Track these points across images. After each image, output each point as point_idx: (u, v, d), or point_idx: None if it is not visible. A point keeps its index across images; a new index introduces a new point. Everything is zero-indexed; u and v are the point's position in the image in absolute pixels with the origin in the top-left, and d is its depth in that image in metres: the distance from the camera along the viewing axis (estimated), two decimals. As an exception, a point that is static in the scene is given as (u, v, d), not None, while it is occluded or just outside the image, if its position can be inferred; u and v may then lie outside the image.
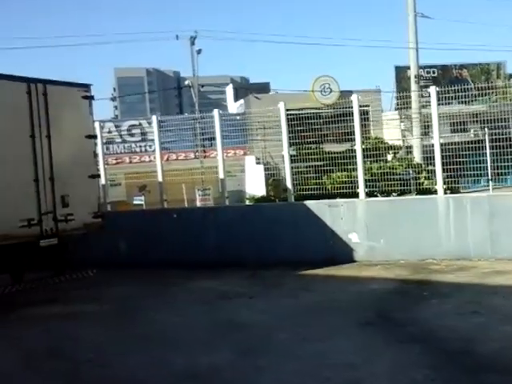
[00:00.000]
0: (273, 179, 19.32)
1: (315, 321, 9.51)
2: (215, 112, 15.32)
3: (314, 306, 10.56)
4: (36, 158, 11.43)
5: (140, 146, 30.37)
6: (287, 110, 15.00)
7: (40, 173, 11.48)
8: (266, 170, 19.49)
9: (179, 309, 10.83)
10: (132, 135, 28.83)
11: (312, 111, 17.81)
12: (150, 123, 29.41)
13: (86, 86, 12.67)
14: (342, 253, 14.12)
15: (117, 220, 14.72)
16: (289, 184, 14.93)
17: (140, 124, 28.62)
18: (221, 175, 15.56)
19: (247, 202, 19.97)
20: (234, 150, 31.17)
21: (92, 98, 12.76)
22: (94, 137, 13.02)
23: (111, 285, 13.10)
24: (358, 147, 14.34)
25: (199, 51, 41.18)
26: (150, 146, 31.61)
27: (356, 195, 14.66)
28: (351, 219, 14.31)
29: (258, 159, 22.28)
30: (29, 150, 11.32)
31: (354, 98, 14.23)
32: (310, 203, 14.78)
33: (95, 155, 13.01)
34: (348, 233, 14.24)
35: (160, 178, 15.85)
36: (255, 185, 22.34)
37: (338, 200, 14.74)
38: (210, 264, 14.46)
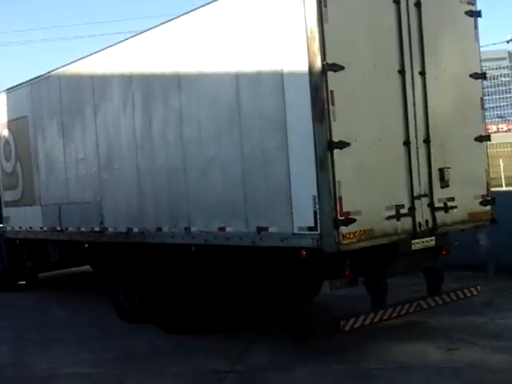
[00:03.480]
0: None
1: None
2: None
3: None
4: (406, 106, 7.08)
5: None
6: None
7: (411, 131, 7.11)
8: None
9: None
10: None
11: None
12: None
13: (472, -4, 7.96)
14: None
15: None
16: None
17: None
18: None
19: None
20: None
21: (479, 14, 8.02)
22: (482, 76, 8.24)
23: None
24: None
25: None
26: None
27: None
28: None
29: None
30: (396, 94, 7.01)
31: None
32: None
33: (483, 106, 8.24)
34: None
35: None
36: None
37: None
38: None
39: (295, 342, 7.77)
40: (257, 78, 6.91)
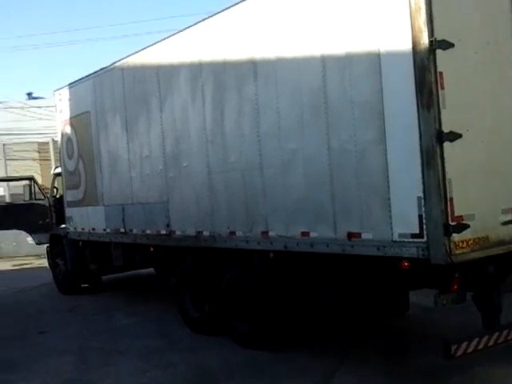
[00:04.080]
0: None
1: None
2: None
3: None
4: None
5: None
6: None
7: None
8: None
9: None
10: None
11: None
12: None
13: None
14: None
15: None
16: None
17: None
18: None
19: None
20: None
21: None
22: None
23: None
24: None
25: None
26: None
27: None
28: None
29: None
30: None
31: None
32: None
33: None
34: None
35: None
36: None
37: None
38: None
39: (387, 363, 6.82)
40: (348, 61, 5.97)
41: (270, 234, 7.04)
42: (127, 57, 9.59)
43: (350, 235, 6.05)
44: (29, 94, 57.49)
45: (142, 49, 9.18)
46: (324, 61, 6.21)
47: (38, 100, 46.93)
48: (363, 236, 5.93)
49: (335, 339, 7.76)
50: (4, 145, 24.69)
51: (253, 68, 7.10)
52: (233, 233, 7.62)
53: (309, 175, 6.51)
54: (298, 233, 6.64)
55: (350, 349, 7.39)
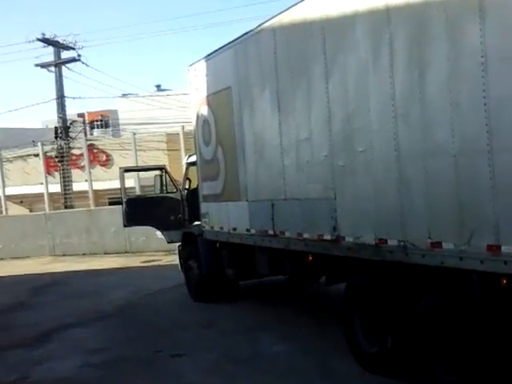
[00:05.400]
0: None
1: None
2: None
3: None
4: None
5: None
6: None
7: None
8: None
9: None
10: None
11: None
12: None
13: None
14: None
15: None
16: None
17: None
18: None
19: None
20: None
21: None
22: None
23: None
24: None
25: None
26: None
27: None
28: None
29: None
30: None
31: None
32: None
33: None
34: None
35: None
36: None
37: None
38: None
39: None
40: None
41: (504, 249, 4.76)
42: (279, 14, 7.59)
43: None
44: (157, 86, 58.27)
45: (300, 1, 7.16)
46: None
47: (166, 91, 47.02)
48: None
49: None
50: (134, 133, 23.84)
51: (477, 3, 4.84)
52: (436, 244, 5.39)
53: None
54: (560, 251, 4.33)
55: None
